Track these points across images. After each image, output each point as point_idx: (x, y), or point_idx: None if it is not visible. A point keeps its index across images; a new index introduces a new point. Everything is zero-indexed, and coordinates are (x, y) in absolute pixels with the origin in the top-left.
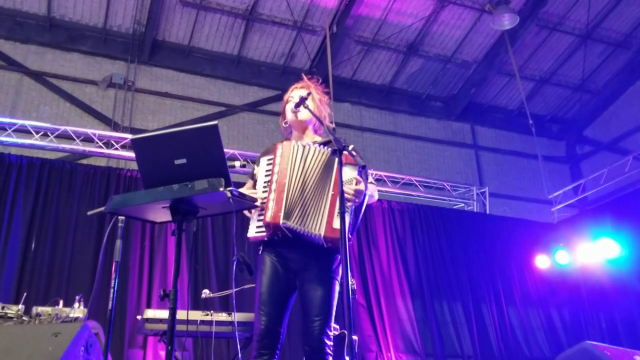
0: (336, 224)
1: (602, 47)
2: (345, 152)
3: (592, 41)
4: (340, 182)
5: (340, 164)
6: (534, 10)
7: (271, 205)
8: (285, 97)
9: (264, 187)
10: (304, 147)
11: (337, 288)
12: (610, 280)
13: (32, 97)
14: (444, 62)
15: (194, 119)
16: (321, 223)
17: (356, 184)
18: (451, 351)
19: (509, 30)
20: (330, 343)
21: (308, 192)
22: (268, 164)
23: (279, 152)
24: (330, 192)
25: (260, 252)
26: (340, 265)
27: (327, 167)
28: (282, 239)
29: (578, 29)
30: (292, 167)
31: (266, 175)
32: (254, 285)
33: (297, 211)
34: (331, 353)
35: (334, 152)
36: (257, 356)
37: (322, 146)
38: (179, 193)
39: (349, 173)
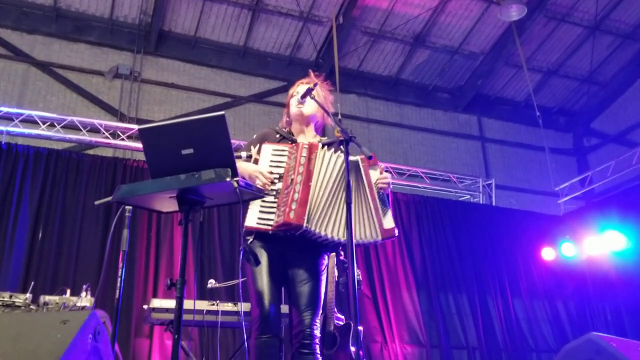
0: (386, 223)
1: (611, 38)
2: (364, 157)
3: (600, 33)
4: (347, 177)
5: (347, 154)
6: (542, 1)
7: (295, 206)
8: (290, 92)
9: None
10: (330, 152)
11: (324, 283)
12: (616, 273)
13: (39, 87)
14: (451, 53)
15: (200, 110)
16: (371, 227)
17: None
18: (456, 343)
19: (517, 21)
20: (318, 334)
21: (330, 198)
22: (275, 154)
23: (304, 152)
24: (370, 197)
25: (250, 241)
26: (327, 261)
27: (351, 173)
28: (284, 235)
29: (586, 20)
30: (318, 172)
31: (272, 166)
32: None
33: (317, 215)
34: (318, 343)
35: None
36: (258, 336)
37: (333, 149)
38: (185, 183)
39: (375, 175)
